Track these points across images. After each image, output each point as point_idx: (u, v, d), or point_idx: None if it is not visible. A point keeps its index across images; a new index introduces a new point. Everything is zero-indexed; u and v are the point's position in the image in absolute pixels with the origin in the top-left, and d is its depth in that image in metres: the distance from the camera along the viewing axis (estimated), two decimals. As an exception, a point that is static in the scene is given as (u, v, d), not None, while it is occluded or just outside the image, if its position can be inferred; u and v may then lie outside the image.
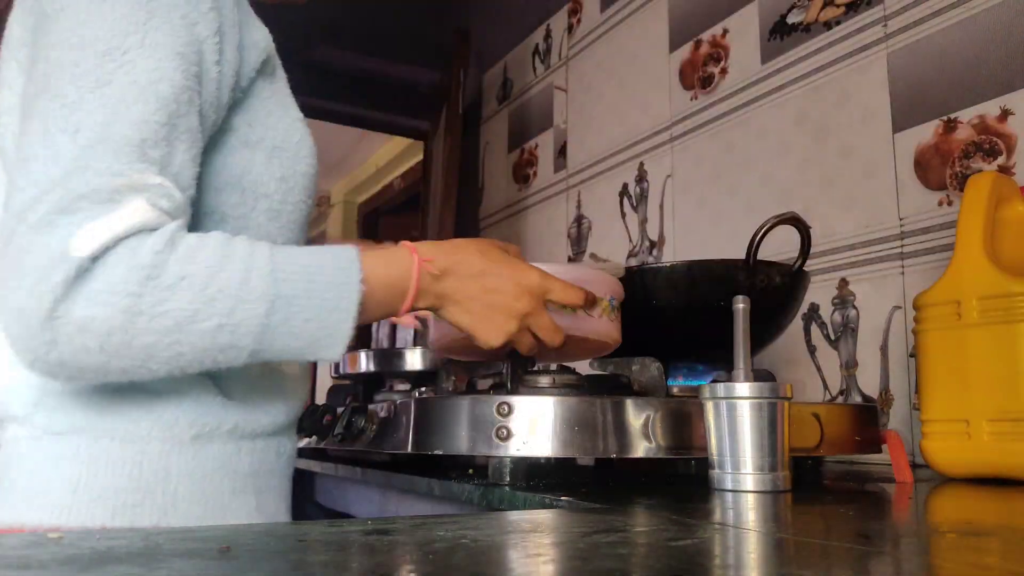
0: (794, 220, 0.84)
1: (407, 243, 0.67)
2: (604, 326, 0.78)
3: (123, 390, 0.63)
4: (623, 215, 1.70)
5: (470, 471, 0.85)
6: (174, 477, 0.63)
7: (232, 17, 0.64)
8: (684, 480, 0.78)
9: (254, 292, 0.56)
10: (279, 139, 0.69)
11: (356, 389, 1.36)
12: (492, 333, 0.69)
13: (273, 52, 0.71)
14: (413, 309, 0.66)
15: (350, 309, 0.59)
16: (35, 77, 0.58)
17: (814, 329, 1.21)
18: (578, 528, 0.44)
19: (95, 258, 0.52)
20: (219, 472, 0.66)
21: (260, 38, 0.68)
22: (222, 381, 0.68)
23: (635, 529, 0.44)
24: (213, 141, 0.65)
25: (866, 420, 0.87)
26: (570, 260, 1.88)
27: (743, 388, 0.62)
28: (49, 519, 0.61)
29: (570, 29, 1.97)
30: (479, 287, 0.68)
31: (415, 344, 1.79)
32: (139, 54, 0.57)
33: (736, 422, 0.62)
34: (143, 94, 0.56)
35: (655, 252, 1.60)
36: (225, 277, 0.55)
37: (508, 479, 0.71)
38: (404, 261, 0.65)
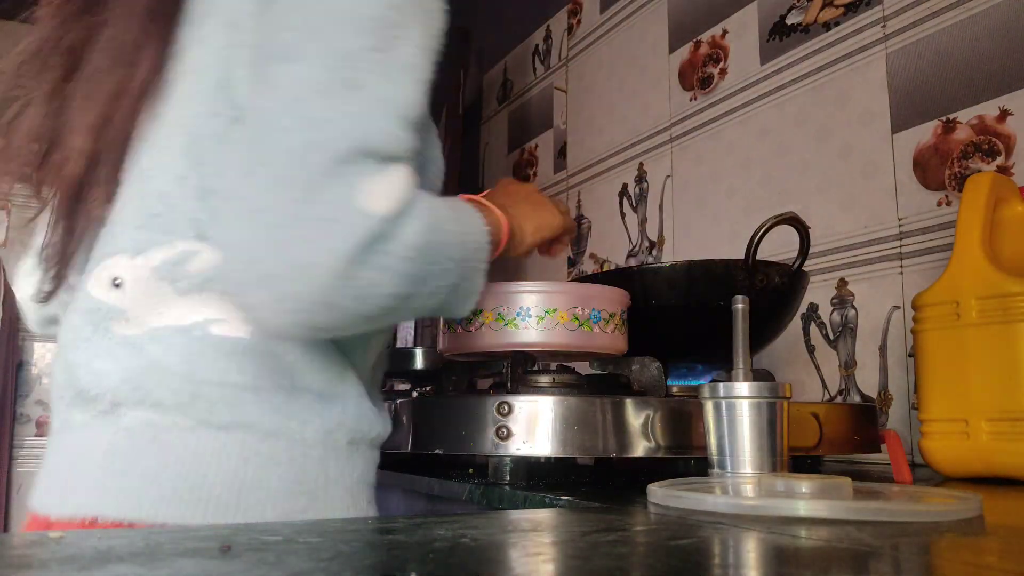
0: (793, 220, 0.84)
1: (472, 197, 0.73)
2: (615, 340, 0.79)
3: (292, 389, 0.60)
4: (623, 215, 1.70)
5: (470, 471, 0.85)
6: (331, 483, 0.61)
7: None
8: (684, 480, 0.78)
9: (464, 251, 0.60)
10: (429, 151, 0.69)
11: (356, 389, 1.35)
12: (553, 214, 0.79)
13: None
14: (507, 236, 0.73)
15: (485, 268, 0.64)
16: (289, 24, 0.56)
17: (813, 329, 1.21)
18: (578, 527, 0.44)
19: (389, 219, 0.51)
20: (361, 481, 0.65)
21: None
22: (370, 392, 0.67)
23: (635, 528, 0.44)
24: None
25: (865, 420, 0.88)
26: (570, 260, 1.88)
27: (742, 388, 0.62)
28: (213, 515, 0.57)
29: (570, 30, 1.97)
30: (526, 198, 0.80)
31: (415, 344, 1.79)
32: (405, 33, 0.56)
33: (735, 422, 0.62)
34: (413, 78, 0.57)
35: (655, 252, 1.60)
36: (456, 240, 0.59)
37: (508, 478, 0.71)
38: (494, 213, 0.71)
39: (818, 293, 1.21)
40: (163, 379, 0.59)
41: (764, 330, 0.90)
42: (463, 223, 0.61)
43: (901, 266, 1.10)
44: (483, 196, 0.74)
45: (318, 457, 0.61)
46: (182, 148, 0.61)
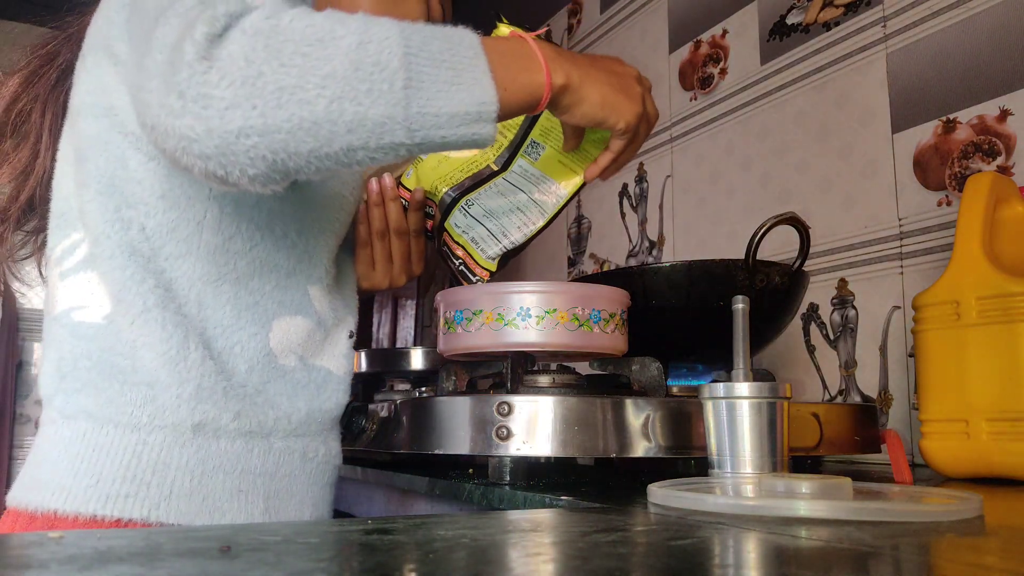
0: (793, 220, 0.84)
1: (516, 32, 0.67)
2: (615, 340, 0.79)
3: (130, 371, 0.63)
4: (623, 215, 1.70)
5: (470, 471, 0.85)
6: (172, 471, 0.63)
7: None
8: (684, 480, 0.78)
9: (382, 23, 0.53)
10: None
11: (356, 389, 1.36)
12: (628, 107, 0.69)
13: None
14: (554, 86, 0.62)
15: (476, 48, 0.56)
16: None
17: (813, 329, 1.21)
18: (578, 528, 0.44)
19: (216, 15, 0.50)
20: (222, 470, 0.65)
21: None
22: (231, 375, 0.67)
23: (635, 529, 0.44)
24: None
25: (865, 420, 0.87)
26: (570, 260, 1.88)
27: (742, 388, 0.62)
28: (51, 502, 0.61)
29: (570, 30, 1.97)
30: (599, 68, 0.68)
31: (415, 344, 1.79)
32: None
33: (736, 422, 0.62)
34: None
35: (655, 252, 1.60)
36: (322, 42, 0.51)
37: (508, 479, 0.71)
38: (516, 38, 0.64)
39: (818, 293, 1.21)
40: (47, 375, 0.65)
41: (764, 330, 0.90)
42: (355, 31, 0.52)
43: (901, 266, 1.10)
44: (542, 44, 0.64)
45: (158, 444, 0.63)
46: (74, 155, 0.68)
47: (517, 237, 0.80)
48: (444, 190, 0.83)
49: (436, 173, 0.84)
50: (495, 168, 0.82)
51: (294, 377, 0.71)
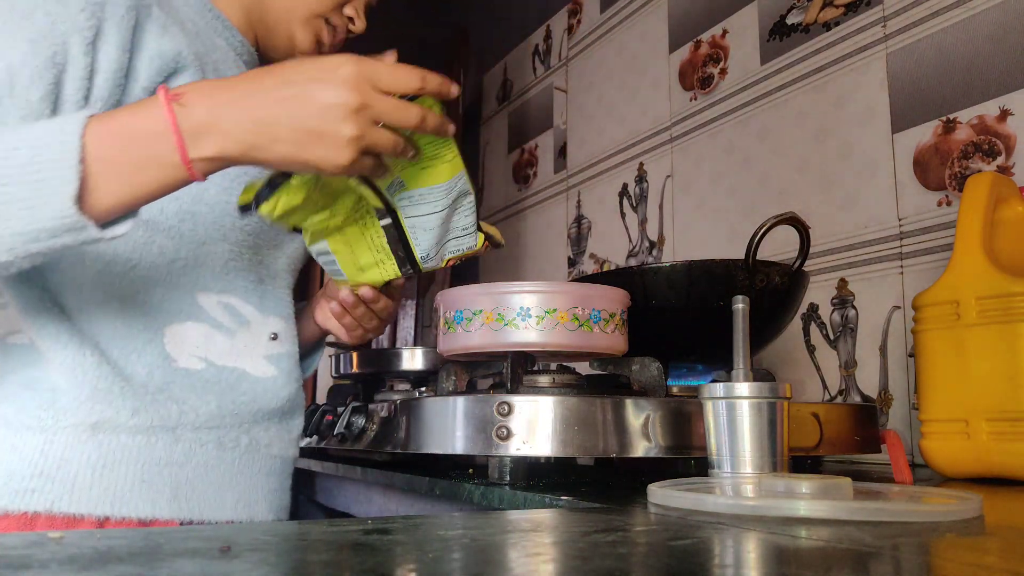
0: (793, 220, 0.84)
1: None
2: (615, 340, 0.79)
3: (38, 383, 0.67)
4: (623, 215, 1.70)
5: (470, 471, 0.85)
6: (75, 466, 0.67)
7: (122, 22, 0.65)
8: (684, 480, 0.78)
9: None
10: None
11: (356, 389, 1.36)
12: (331, 149, 0.56)
13: (191, 65, 0.71)
14: (203, 160, 0.56)
15: (67, 152, 0.52)
16: None
17: (813, 329, 1.21)
18: (578, 528, 0.44)
19: None
20: (123, 463, 0.68)
21: (168, 49, 0.69)
22: (130, 378, 0.70)
23: (635, 529, 0.44)
24: None
25: (865, 420, 0.88)
26: (570, 260, 1.88)
27: (742, 388, 0.62)
28: None
29: (570, 30, 1.97)
30: (274, 99, 0.55)
31: (415, 344, 1.78)
32: None
33: (736, 422, 0.62)
34: None
35: (655, 252, 1.60)
36: None
37: (508, 479, 0.71)
38: (150, 101, 0.56)
39: (818, 293, 1.21)
40: None
41: (764, 330, 0.90)
42: None
43: (901, 266, 1.10)
44: (191, 108, 0.55)
45: (61, 442, 0.67)
46: None
47: (473, 220, 0.79)
48: (396, 278, 0.79)
49: (366, 276, 0.79)
50: (389, 221, 0.75)
51: (202, 376, 0.74)
